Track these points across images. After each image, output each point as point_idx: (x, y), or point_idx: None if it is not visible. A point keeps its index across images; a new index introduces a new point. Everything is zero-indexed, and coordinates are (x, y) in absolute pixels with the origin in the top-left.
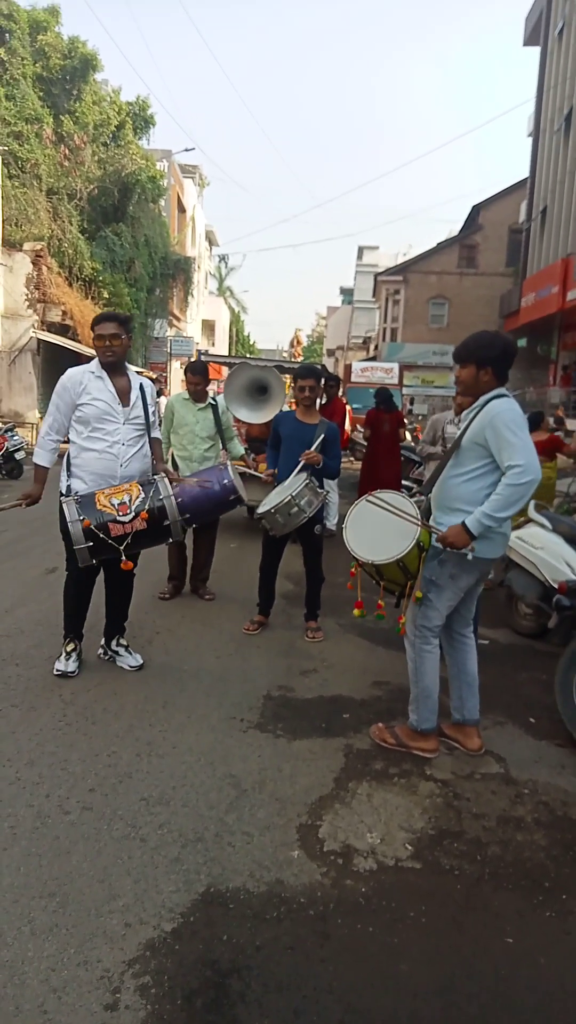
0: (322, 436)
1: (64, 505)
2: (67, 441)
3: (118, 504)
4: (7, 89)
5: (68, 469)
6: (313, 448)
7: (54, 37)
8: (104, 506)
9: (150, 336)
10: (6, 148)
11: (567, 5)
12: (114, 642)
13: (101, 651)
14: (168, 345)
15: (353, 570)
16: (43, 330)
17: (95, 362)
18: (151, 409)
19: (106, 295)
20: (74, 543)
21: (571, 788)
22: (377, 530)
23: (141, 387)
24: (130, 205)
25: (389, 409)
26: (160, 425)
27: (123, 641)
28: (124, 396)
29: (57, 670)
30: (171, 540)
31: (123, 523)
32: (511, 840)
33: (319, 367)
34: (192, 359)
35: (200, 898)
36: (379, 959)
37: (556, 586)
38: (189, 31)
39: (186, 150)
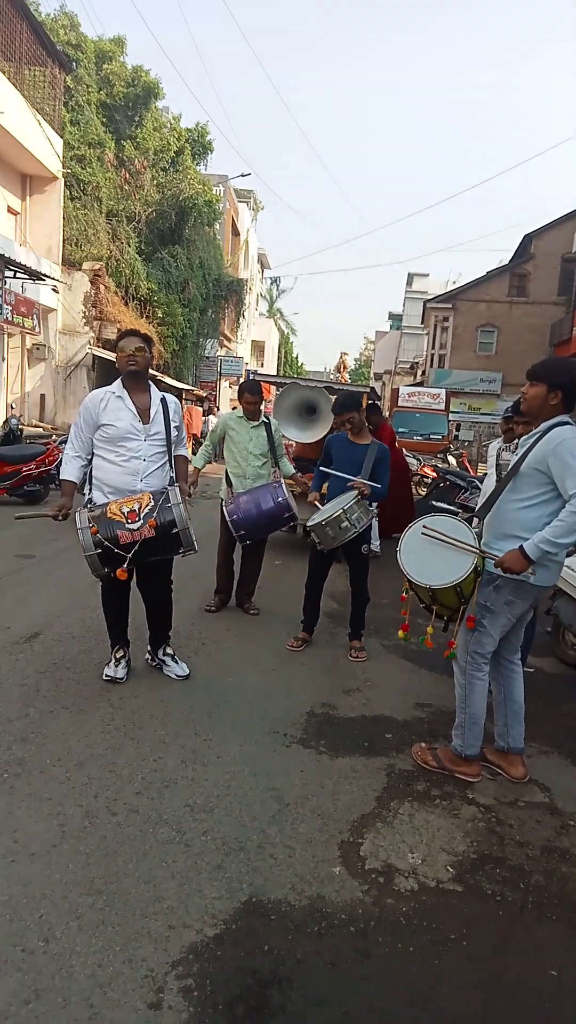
0: (373, 457)
1: (76, 514)
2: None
3: (127, 512)
4: (72, 115)
5: (90, 481)
6: (362, 473)
7: (119, 66)
8: (114, 514)
9: (201, 355)
10: (70, 171)
11: None
12: (160, 651)
13: (148, 657)
14: (218, 364)
15: (404, 595)
16: (99, 347)
17: (117, 383)
18: (174, 424)
19: (160, 314)
20: (84, 550)
21: None
22: (432, 554)
23: (163, 402)
24: (186, 228)
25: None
26: (189, 442)
27: (169, 650)
28: (144, 414)
29: (106, 675)
30: (184, 551)
31: (131, 531)
32: (556, 871)
33: (369, 388)
34: (241, 379)
35: (242, 907)
36: (420, 981)
37: None
38: (249, 58)
39: (242, 175)
